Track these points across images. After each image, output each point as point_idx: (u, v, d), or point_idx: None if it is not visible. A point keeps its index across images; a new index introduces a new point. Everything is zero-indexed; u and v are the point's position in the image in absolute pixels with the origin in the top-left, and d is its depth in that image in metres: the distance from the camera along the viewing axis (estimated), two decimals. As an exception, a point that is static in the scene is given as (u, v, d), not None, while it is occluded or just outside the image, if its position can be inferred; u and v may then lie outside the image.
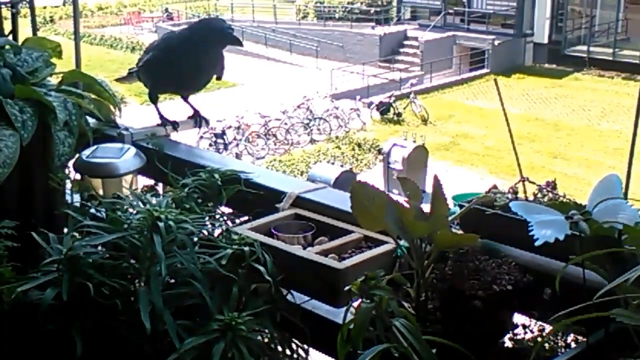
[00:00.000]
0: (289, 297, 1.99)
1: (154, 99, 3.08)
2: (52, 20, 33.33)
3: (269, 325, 1.86)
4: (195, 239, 1.93)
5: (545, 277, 1.74)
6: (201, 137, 16.65)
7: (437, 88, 23.63)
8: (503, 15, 26.98)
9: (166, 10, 33.97)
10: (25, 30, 2.99)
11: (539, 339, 1.76)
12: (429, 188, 1.79)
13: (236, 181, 2.38)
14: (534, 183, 1.93)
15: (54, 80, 2.49)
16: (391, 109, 20.61)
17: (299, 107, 19.58)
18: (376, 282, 1.59)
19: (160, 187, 2.59)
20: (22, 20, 3.14)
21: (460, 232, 1.93)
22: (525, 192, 1.97)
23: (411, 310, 1.73)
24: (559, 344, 1.75)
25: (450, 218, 1.86)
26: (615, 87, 23.11)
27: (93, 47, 28.71)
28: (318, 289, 1.96)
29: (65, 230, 1.95)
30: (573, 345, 1.73)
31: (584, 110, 21.39)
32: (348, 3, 29.29)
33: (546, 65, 25.76)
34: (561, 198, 1.86)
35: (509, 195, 1.93)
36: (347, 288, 1.64)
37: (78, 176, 2.48)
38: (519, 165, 2.01)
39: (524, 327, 1.81)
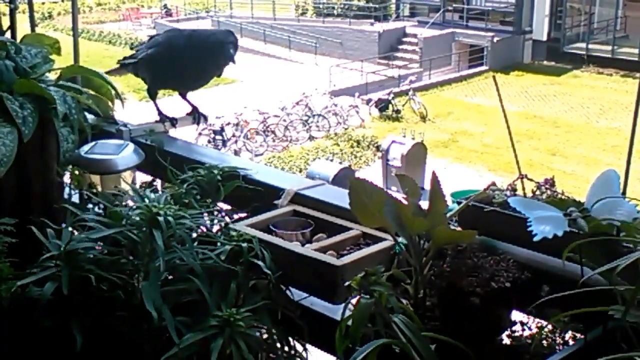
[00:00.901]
0: (287, 293, 2.00)
1: (152, 95, 3.07)
2: (50, 16, 33.28)
3: (267, 321, 1.87)
4: (194, 235, 1.93)
5: (544, 274, 1.74)
6: (200, 134, 16.64)
7: (435, 85, 23.62)
8: (502, 12, 26.99)
9: (165, 6, 33.94)
10: (23, 27, 2.98)
11: (537, 336, 1.76)
12: (427, 185, 1.80)
13: (235, 178, 2.38)
14: (532, 180, 1.94)
15: (52, 76, 2.49)
16: (390, 106, 20.61)
17: (297, 103, 19.57)
18: (376, 278, 1.59)
19: (158, 184, 2.59)
20: (21, 16, 3.13)
21: (459, 229, 1.93)
22: (523, 189, 1.97)
23: (409, 307, 1.73)
24: (557, 341, 1.76)
25: (448, 215, 1.87)
26: (613, 85, 23.11)
27: (91, 43, 28.67)
28: (316, 285, 1.96)
29: (64, 225, 1.95)
30: (571, 342, 1.73)
31: (582, 107, 21.39)
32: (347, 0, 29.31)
33: (545, 62, 25.76)
34: (560, 195, 1.86)
35: (508, 193, 1.93)
36: (346, 284, 1.64)
37: (76, 172, 2.48)
38: (517, 162, 2.01)
39: (522, 324, 1.81)
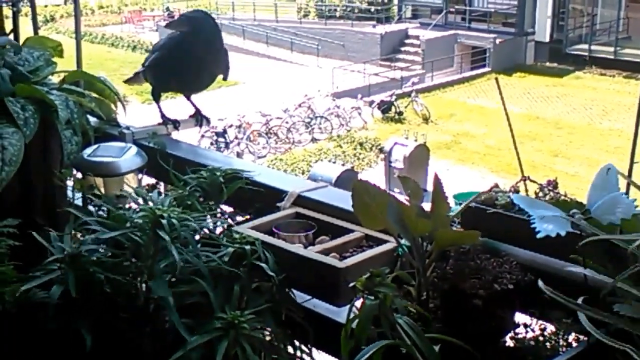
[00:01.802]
0: (290, 295, 1.99)
1: (156, 97, 3.08)
2: (53, 19, 33.33)
3: (271, 323, 1.87)
4: (197, 237, 1.93)
5: (547, 276, 1.74)
6: (202, 136, 16.65)
7: (438, 87, 23.61)
8: (504, 13, 26.96)
9: (167, 9, 33.94)
10: (26, 29, 2.99)
11: (540, 338, 1.76)
12: (430, 187, 1.80)
13: (238, 180, 2.38)
14: (535, 182, 1.93)
15: (55, 79, 2.49)
16: (392, 108, 20.60)
17: (300, 105, 19.57)
18: (381, 279, 1.59)
19: (161, 186, 2.59)
20: (23, 19, 3.13)
21: (461, 230, 1.93)
22: (526, 191, 1.97)
23: (416, 306, 1.73)
24: (560, 343, 1.75)
25: (451, 216, 1.86)
26: (616, 86, 23.08)
27: (94, 46, 28.71)
28: (319, 287, 1.96)
29: (67, 228, 1.95)
30: (574, 344, 1.73)
31: (585, 109, 21.37)
32: (349, 1, 29.30)
33: (547, 63, 25.73)
34: (562, 197, 1.86)
35: (510, 194, 1.93)
36: (351, 285, 1.64)
37: (79, 175, 2.48)
38: (520, 164, 2.02)
39: (525, 326, 1.81)
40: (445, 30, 26.60)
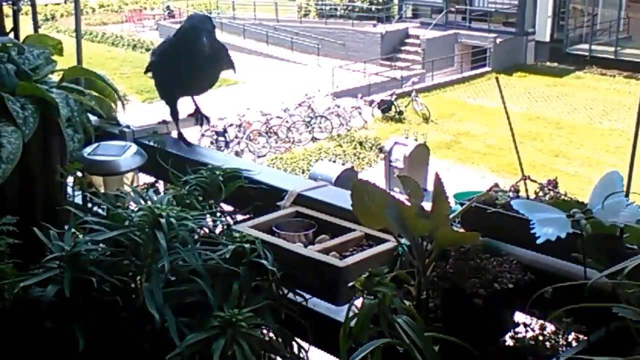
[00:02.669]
0: (289, 294, 1.99)
1: (168, 103, 3.00)
2: (53, 18, 33.34)
3: (270, 322, 1.86)
4: (196, 236, 1.93)
5: (547, 275, 1.74)
6: (202, 135, 16.65)
7: (438, 86, 23.61)
8: (505, 13, 26.96)
9: (167, 7, 33.97)
10: (26, 28, 2.99)
11: (540, 337, 1.76)
12: (430, 186, 1.80)
13: (237, 179, 2.38)
14: (535, 181, 1.93)
15: (55, 77, 2.49)
16: (393, 107, 20.61)
17: (300, 105, 19.57)
18: (380, 279, 1.59)
19: (161, 185, 2.59)
20: (24, 17, 3.13)
21: (462, 230, 1.93)
22: (526, 190, 1.96)
23: (412, 308, 1.73)
24: (560, 343, 1.75)
25: (451, 216, 1.86)
26: (616, 86, 23.08)
27: (94, 45, 28.72)
28: (319, 286, 1.96)
29: (67, 227, 1.95)
30: (574, 343, 1.73)
31: (585, 108, 21.37)
32: (349, 1, 29.29)
33: (548, 63, 25.73)
34: (562, 197, 1.86)
35: (511, 194, 1.93)
36: (350, 284, 1.64)
37: (79, 173, 2.48)
38: (520, 163, 2.01)
39: (525, 325, 1.80)
40: (445, 30, 26.59)
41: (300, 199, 2.33)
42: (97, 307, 1.76)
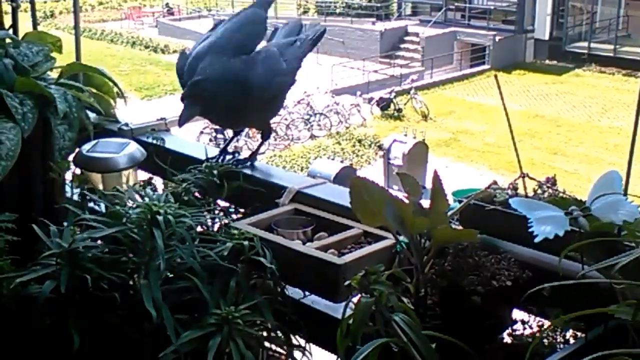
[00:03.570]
0: (288, 291, 2.00)
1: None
2: (52, 15, 33.28)
3: (267, 319, 1.87)
4: (194, 233, 1.93)
5: (545, 273, 1.74)
6: (201, 132, 16.64)
7: (437, 84, 23.60)
8: (504, 11, 26.95)
9: (167, 5, 33.92)
10: (25, 25, 2.98)
11: (538, 335, 1.76)
12: (429, 184, 1.80)
13: (235, 176, 2.38)
14: (533, 179, 1.93)
15: (53, 74, 2.49)
16: (392, 105, 20.60)
17: (299, 102, 19.55)
18: (376, 277, 1.59)
19: (160, 182, 2.59)
20: (23, 14, 3.13)
21: (460, 227, 1.93)
22: (525, 188, 1.97)
23: (410, 306, 1.73)
24: (558, 340, 1.76)
25: (449, 214, 1.87)
26: (615, 84, 23.08)
27: (93, 42, 28.66)
28: (317, 284, 1.96)
29: (65, 224, 1.95)
30: (572, 341, 1.74)
31: (584, 106, 21.37)
32: (349, -2, 29.30)
33: (547, 61, 25.73)
34: (561, 194, 1.86)
35: (509, 191, 1.93)
36: (347, 283, 1.64)
37: (78, 170, 2.48)
38: (519, 161, 2.01)
39: (523, 322, 1.81)
40: (444, 28, 26.58)
41: (299, 196, 2.33)
42: (95, 304, 1.76)
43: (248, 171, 2.49)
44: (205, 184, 2.30)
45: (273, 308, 1.89)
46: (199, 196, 2.28)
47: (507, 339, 1.80)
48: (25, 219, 1.96)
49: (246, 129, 18.51)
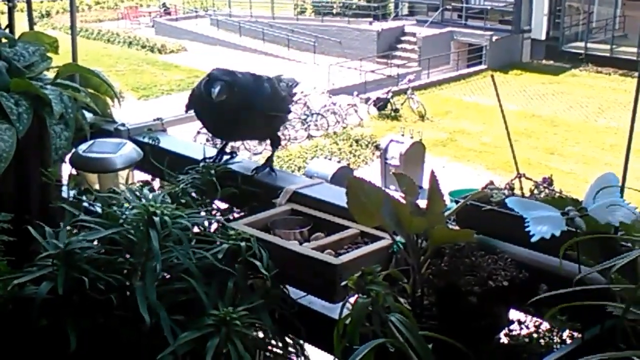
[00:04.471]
0: (284, 292, 1.99)
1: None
2: (48, 15, 33.24)
3: (264, 320, 1.86)
4: (191, 234, 1.92)
5: (542, 273, 1.74)
6: (198, 132, 16.62)
7: (434, 84, 23.61)
8: (501, 11, 26.98)
9: (163, 5, 33.90)
10: (21, 25, 2.98)
11: (535, 335, 1.76)
12: (425, 184, 1.80)
13: (232, 176, 2.38)
14: (530, 179, 1.94)
15: (50, 75, 2.48)
16: (389, 105, 20.61)
17: (296, 102, 19.54)
18: (373, 278, 1.59)
19: (157, 182, 2.59)
20: (19, 14, 3.12)
21: (457, 228, 1.93)
22: (521, 188, 1.97)
23: (407, 306, 1.73)
24: (555, 340, 1.76)
25: (446, 214, 1.87)
26: (612, 84, 23.11)
27: (90, 42, 28.63)
28: (314, 284, 1.96)
29: (61, 224, 1.95)
30: (568, 341, 1.74)
31: (581, 106, 21.40)
32: (346, -2, 29.31)
33: (544, 61, 25.76)
34: (557, 194, 1.86)
35: (506, 192, 1.93)
36: (343, 283, 1.64)
37: (74, 171, 2.48)
38: (515, 161, 2.01)
39: (520, 323, 1.81)
40: (441, 28, 26.60)
41: (296, 197, 2.33)
42: (92, 305, 1.76)
43: (267, 179, 2.47)
44: (202, 185, 2.30)
45: (270, 309, 1.88)
46: (196, 196, 2.27)
47: (504, 339, 1.80)
48: (20, 220, 1.96)
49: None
